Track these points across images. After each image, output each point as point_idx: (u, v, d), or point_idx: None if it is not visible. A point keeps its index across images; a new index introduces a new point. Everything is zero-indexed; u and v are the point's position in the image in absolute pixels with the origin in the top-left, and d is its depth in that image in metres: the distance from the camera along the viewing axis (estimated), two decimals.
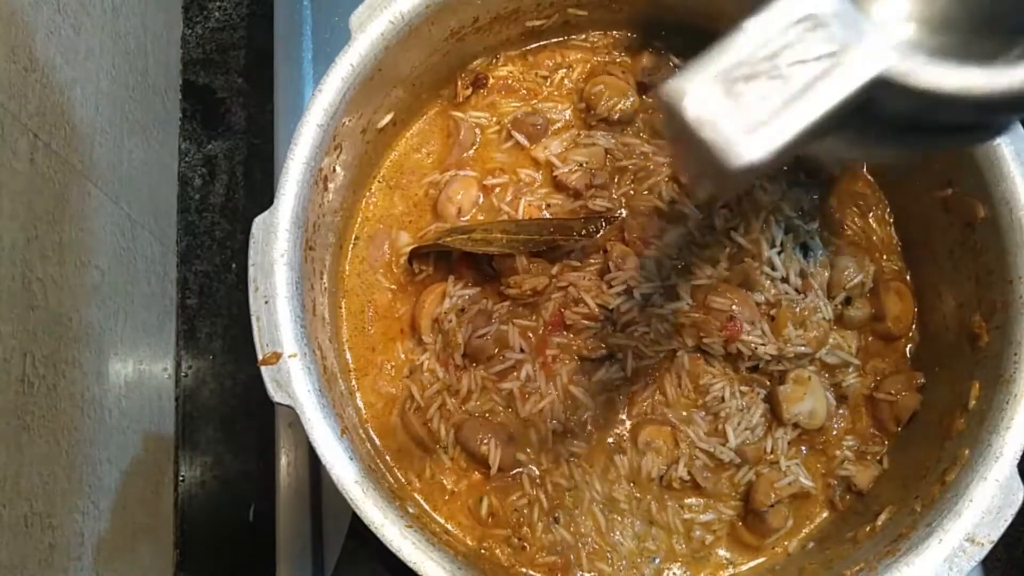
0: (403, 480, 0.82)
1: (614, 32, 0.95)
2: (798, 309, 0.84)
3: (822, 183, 0.91)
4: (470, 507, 0.82)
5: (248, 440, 1.10)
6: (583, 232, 0.84)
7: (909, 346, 0.89)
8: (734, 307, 0.82)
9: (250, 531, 1.07)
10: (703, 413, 0.84)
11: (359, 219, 0.91)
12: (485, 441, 0.80)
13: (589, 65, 0.94)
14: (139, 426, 1.00)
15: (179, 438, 1.11)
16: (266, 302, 0.71)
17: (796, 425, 0.83)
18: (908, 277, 0.90)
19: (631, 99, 0.90)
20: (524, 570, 0.80)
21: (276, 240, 0.73)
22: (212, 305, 1.16)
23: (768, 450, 0.83)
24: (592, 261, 0.86)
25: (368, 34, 0.78)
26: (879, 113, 0.45)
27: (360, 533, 0.68)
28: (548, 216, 0.88)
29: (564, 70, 0.94)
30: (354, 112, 0.80)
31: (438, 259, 0.87)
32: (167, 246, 1.14)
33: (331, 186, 0.81)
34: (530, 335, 0.84)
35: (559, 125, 0.92)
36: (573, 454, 0.82)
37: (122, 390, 0.96)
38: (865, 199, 0.92)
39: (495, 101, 0.93)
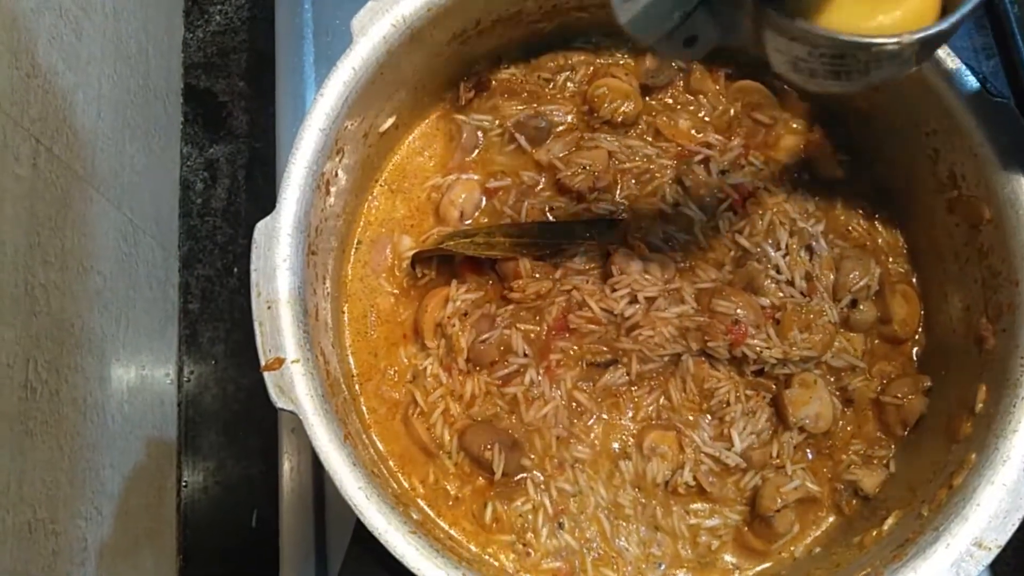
0: (407, 486, 0.82)
1: (616, 34, 0.95)
2: (803, 312, 0.84)
3: (827, 185, 0.91)
4: (474, 513, 0.82)
5: (251, 445, 1.10)
6: (586, 235, 0.84)
7: (915, 349, 0.88)
8: (739, 311, 0.82)
9: (253, 537, 1.06)
10: (708, 417, 0.83)
11: (361, 223, 0.90)
12: (489, 446, 0.80)
13: (592, 67, 0.94)
14: (142, 431, 1.00)
15: (182, 443, 1.10)
16: (268, 307, 0.71)
17: (802, 429, 0.83)
18: (914, 280, 0.90)
19: (634, 102, 0.90)
20: None
21: (278, 245, 0.73)
22: (214, 310, 1.15)
23: (774, 454, 0.83)
24: (596, 265, 0.85)
25: (370, 37, 0.77)
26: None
27: (364, 539, 0.68)
28: (551, 219, 0.88)
29: (567, 72, 0.94)
30: (356, 116, 0.80)
31: (441, 263, 0.87)
32: (169, 251, 1.14)
33: (333, 190, 0.80)
34: (534, 339, 0.84)
35: (562, 128, 0.92)
36: (577, 459, 0.82)
37: (124, 395, 0.96)
38: (870, 201, 0.91)
39: (498, 104, 0.93)
